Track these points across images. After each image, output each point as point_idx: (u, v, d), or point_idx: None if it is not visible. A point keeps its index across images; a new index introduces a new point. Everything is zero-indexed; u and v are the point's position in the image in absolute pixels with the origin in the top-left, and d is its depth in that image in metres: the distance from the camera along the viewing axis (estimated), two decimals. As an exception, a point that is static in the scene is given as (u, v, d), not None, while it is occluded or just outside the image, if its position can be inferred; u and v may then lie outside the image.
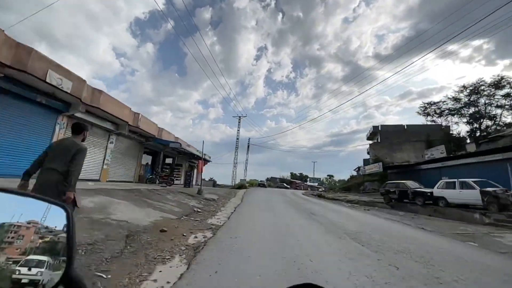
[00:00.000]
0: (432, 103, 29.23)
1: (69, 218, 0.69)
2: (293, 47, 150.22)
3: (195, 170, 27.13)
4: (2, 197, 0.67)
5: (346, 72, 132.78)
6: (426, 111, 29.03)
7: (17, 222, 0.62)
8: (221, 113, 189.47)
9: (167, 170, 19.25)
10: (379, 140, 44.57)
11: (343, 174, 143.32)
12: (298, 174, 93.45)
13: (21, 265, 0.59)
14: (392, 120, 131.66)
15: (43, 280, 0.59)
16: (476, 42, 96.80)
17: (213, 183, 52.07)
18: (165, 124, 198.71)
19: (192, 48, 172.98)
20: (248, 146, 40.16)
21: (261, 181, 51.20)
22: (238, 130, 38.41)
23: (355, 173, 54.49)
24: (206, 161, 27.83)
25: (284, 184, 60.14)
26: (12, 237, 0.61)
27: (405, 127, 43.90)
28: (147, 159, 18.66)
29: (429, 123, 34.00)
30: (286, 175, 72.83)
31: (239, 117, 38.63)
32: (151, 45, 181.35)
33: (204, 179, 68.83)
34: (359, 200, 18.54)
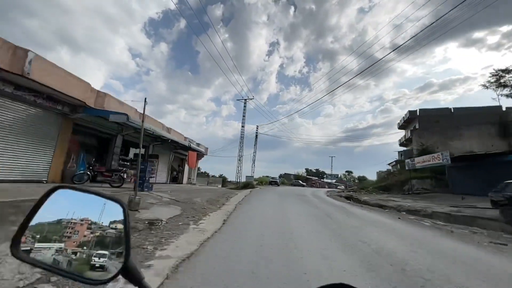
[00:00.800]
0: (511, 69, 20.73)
1: (125, 213, 0.72)
2: (305, 41, 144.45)
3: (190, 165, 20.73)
4: (70, 194, 0.75)
5: (362, 65, 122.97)
6: (500, 81, 20.72)
7: (82, 218, 0.72)
8: (233, 110, 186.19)
9: (128, 163, 12.92)
10: (417, 127, 36.07)
11: (362, 170, 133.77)
12: (314, 170, 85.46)
13: (93, 256, 0.70)
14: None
15: (107, 267, 0.69)
16: (505, 28, 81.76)
17: (222, 180, 45.99)
18: (180, 122, 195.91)
19: (204, 46, 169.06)
20: (256, 136, 33.32)
21: (272, 178, 44.19)
22: (243, 116, 31.54)
23: (387, 168, 46.17)
24: (199, 153, 21.32)
25: (300, 181, 52.87)
26: (74, 231, 0.71)
27: (452, 110, 35.10)
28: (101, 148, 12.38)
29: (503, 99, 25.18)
30: (301, 171, 65.55)
31: (245, 100, 31.72)
32: (165, 44, 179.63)
33: (213, 176, 62.66)
34: (424, 208, 11.20)
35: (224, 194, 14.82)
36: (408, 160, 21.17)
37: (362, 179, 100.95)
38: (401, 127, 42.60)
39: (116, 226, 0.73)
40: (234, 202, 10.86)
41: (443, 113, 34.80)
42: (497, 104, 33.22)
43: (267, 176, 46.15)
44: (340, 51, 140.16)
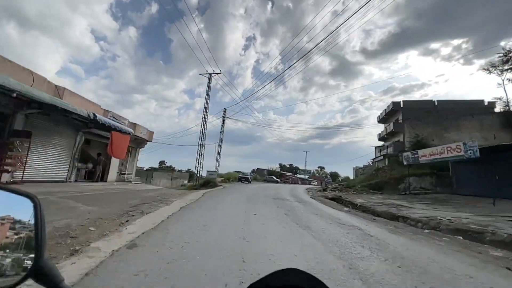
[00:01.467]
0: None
1: (37, 208, 0.66)
2: (282, 38, 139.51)
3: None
4: None
5: (334, 66, 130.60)
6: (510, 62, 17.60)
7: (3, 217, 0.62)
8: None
9: None
10: (400, 120, 33.24)
11: (333, 166, 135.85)
12: (288, 166, 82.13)
13: None
14: (376, 115, 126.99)
15: (11, 271, 0.59)
16: (456, 41, 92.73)
17: (189, 175, 38.90)
18: (149, 114, 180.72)
19: (177, 35, 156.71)
20: (224, 121, 27.14)
21: (243, 173, 38.48)
22: (207, 95, 24.99)
23: (364, 164, 43.54)
24: (138, 139, 14.58)
25: (273, 177, 48.14)
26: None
27: (436, 103, 32.82)
28: None
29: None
30: (275, 166, 61.01)
31: (210, 74, 25.20)
32: (134, 29, 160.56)
33: (180, 171, 55.21)
34: (483, 227, 6.54)
35: (153, 200, 8.61)
36: (408, 153, 17.06)
37: (334, 174, 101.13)
38: (381, 120, 39.88)
39: (27, 224, 0.65)
40: (140, 228, 4.77)
41: (426, 106, 32.33)
42: (479, 98, 31.47)
43: (238, 172, 40.28)
44: (314, 51, 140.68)
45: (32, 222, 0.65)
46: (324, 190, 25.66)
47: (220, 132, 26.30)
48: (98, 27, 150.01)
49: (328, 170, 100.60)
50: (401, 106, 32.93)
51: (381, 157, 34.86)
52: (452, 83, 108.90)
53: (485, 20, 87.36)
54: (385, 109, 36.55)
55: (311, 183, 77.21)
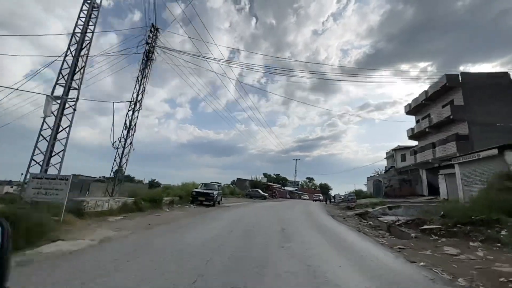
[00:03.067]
0: None
1: (3, 233, 0.64)
2: (265, 53, 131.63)
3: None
4: None
5: (314, 81, 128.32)
6: None
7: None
8: (189, 113, 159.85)
9: None
10: (454, 102, 21.30)
11: (320, 178, 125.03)
12: (274, 176, 68.39)
13: None
14: (354, 129, 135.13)
15: None
16: (422, 64, 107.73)
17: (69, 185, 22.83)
18: None
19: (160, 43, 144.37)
20: (149, 51, 12.82)
21: (205, 186, 22.83)
22: None
23: (371, 174, 31.05)
24: None
25: (259, 191, 33.79)
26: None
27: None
28: None
29: None
30: (259, 177, 46.73)
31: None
32: (114, 35, 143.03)
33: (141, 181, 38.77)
34: None
35: None
36: None
37: (324, 186, 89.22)
38: (413, 110, 27.92)
39: None
40: None
41: (497, 80, 20.69)
42: None
43: (205, 184, 25.25)
44: (296, 67, 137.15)
45: None
46: (360, 215, 12.20)
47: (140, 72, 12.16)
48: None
49: (317, 181, 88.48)
50: (460, 80, 21.03)
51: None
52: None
53: (445, 46, 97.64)
54: (426, 91, 24.67)
55: (302, 197, 64.00)
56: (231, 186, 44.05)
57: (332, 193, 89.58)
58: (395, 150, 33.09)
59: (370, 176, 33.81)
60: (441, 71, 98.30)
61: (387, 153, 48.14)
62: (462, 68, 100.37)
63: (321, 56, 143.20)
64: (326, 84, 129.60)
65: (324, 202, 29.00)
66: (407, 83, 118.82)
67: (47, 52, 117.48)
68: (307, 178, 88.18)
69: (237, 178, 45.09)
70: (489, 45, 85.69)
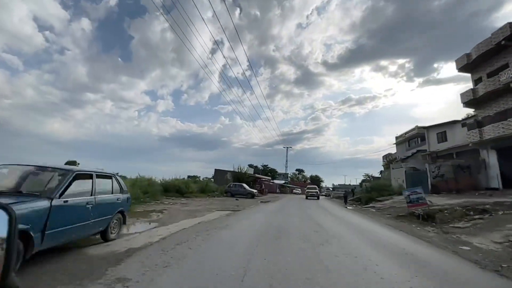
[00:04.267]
0: None
1: (11, 222, 0.63)
2: (249, 45, 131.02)
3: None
4: None
5: (298, 75, 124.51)
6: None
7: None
8: (171, 106, 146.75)
9: None
10: None
11: (310, 170, 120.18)
12: (261, 167, 58.59)
13: None
14: (336, 123, 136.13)
15: None
16: (400, 61, 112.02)
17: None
18: (104, 115, 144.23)
19: (139, 32, 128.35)
20: None
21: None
22: None
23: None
24: None
25: (244, 186, 23.47)
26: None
27: None
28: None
29: None
30: (244, 168, 35.98)
31: None
32: (88, 21, 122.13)
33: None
34: None
35: None
36: None
37: (315, 178, 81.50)
38: (469, 65, 18.87)
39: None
40: None
41: None
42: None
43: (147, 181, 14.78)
44: (280, 60, 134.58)
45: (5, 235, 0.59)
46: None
47: None
48: (42, 15, 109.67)
49: (307, 173, 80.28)
50: None
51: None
52: (398, 96, 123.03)
53: (422, 45, 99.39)
54: (491, 38, 15.55)
55: (294, 191, 54.96)
56: (212, 179, 33.47)
57: (324, 185, 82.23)
58: (427, 128, 24.34)
59: (395, 161, 25.11)
60: (417, 69, 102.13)
61: (397, 137, 40.25)
62: (436, 66, 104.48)
63: (305, 50, 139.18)
64: (310, 78, 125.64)
65: (344, 204, 19.47)
66: (386, 78, 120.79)
67: (10, 36, 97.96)
68: (297, 170, 79.59)
69: (215, 170, 34.55)
70: (461, 44, 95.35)
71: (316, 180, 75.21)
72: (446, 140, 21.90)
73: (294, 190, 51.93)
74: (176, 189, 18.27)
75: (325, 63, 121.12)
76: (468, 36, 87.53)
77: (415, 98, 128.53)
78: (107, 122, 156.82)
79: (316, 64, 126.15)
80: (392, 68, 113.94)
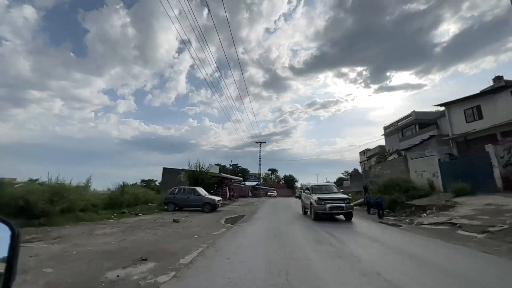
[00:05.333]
0: None
1: (14, 237, 0.63)
2: (218, 46, 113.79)
3: None
4: None
5: (267, 78, 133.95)
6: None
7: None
8: (133, 107, 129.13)
9: None
10: None
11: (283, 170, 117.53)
12: (230, 167, 49.14)
13: None
14: (303, 125, 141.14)
15: None
16: (359, 68, 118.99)
17: None
18: (52, 115, 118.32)
19: (95, 25, 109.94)
20: None
21: None
22: None
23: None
24: None
25: (197, 190, 14.12)
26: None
27: None
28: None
29: None
30: (207, 166, 26.31)
31: None
32: (32, 9, 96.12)
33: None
34: None
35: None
36: None
37: (289, 179, 74.94)
38: None
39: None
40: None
41: None
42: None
43: None
44: (249, 63, 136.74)
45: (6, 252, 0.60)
46: None
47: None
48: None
49: (281, 173, 73.39)
50: None
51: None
52: (357, 101, 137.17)
53: (376, 54, 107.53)
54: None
55: (269, 193, 46.97)
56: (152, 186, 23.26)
57: (299, 185, 76.44)
58: (447, 104, 18.38)
59: (389, 154, 18.67)
60: (373, 77, 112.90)
61: (386, 127, 35.10)
62: (388, 74, 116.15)
63: (273, 54, 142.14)
64: (278, 82, 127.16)
65: (367, 212, 11.81)
66: (347, 84, 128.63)
67: None
68: (270, 169, 72.15)
69: (163, 170, 24.31)
70: (408, 55, 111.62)
71: (290, 180, 68.74)
72: (481, 117, 15.96)
73: (269, 193, 43.92)
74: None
75: (292, 68, 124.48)
76: (414, 48, 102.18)
77: (371, 103, 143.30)
78: (56, 123, 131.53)
79: (283, 68, 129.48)
80: (352, 75, 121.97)
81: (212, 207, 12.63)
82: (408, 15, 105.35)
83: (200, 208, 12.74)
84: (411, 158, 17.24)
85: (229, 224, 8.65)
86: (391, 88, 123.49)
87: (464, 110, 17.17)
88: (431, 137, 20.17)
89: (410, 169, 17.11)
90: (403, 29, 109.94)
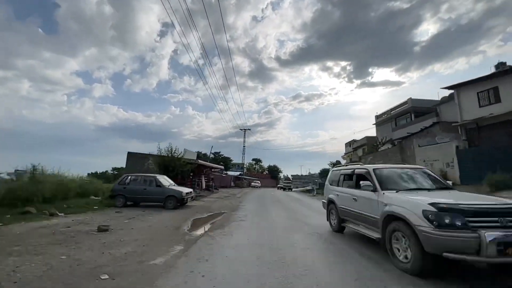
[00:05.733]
0: None
1: None
2: (203, 32, 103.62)
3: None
4: None
5: (252, 68, 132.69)
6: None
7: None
8: (111, 91, 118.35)
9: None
10: None
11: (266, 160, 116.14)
12: (211, 155, 45.31)
13: None
14: (287, 117, 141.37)
15: None
16: (343, 63, 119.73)
17: None
18: (19, 97, 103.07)
19: (68, 1, 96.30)
20: None
21: None
22: None
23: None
24: None
25: (158, 179, 10.59)
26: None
27: None
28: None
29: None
30: (177, 149, 22.18)
31: None
32: None
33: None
34: None
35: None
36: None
37: (273, 169, 72.69)
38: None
39: None
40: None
41: None
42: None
43: None
44: (235, 51, 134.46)
45: None
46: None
47: None
48: None
49: (265, 164, 70.94)
50: None
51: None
52: (340, 95, 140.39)
53: (361, 50, 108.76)
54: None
55: (252, 183, 44.15)
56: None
57: (282, 175, 74.76)
58: (456, 87, 16.21)
59: (382, 143, 16.41)
60: (356, 72, 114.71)
61: (377, 116, 33.21)
62: (370, 70, 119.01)
63: (260, 44, 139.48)
64: (264, 72, 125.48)
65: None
66: (331, 78, 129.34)
67: None
68: (253, 159, 69.39)
69: (128, 154, 20.16)
70: (390, 53, 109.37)
71: (274, 171, 66.66)
72: (498, 100, 13.93)
73: (252, 183, 41.11)
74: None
75: (278, 59, 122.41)
76: (396, 46, 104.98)
77: (354, 98, 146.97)
78: (23, 106, 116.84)
79: (269, 58, 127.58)
80: (336, 69, 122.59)
81: (177, 202, 9.23)
82: (391, 13, 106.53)
83: (162, 203, 9.31)
84: (419, 146, 15.01)
85: (194, 234, 5.39)
86: (373, 84, 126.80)
87: (477, 93, 15.08)
88: (434, 124, 18.17)
89: (417, 158, 14.90)
90: (386, 26, 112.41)
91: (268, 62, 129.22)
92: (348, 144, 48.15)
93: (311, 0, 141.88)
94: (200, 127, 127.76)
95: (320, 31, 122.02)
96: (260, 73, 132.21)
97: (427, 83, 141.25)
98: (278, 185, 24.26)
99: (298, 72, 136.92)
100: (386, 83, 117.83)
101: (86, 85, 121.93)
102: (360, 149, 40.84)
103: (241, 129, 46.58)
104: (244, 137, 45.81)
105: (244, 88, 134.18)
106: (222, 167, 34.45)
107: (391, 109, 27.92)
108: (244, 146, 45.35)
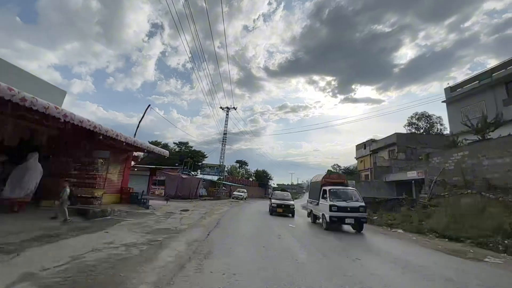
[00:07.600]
0: None
1: None
2: (193, 36, 65.88)
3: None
4: None
5: (241, 76, 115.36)
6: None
7: None
8: (91, 89, 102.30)
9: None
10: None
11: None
12: (175, 149, 30.80)
13: None
14: (272, 127, 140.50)
15: None
16: (329, 78, 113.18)
17: None
18: None
19: None
20: None
21: None
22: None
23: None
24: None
25: None
26: None
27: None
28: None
29: None
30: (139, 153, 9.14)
31: None
32: None
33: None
34: None
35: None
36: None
37: (262, 174, 59.45)
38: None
39: None
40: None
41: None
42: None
43: None
44: (224, 58, 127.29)
45: None
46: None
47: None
48: None
49: (251, 168, 57.27)
50: None
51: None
52: (324, 109, 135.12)
53: (345, 67, 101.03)
54: None
55: (236, 192, 30.43)
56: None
57: (272, 184, 61.12)
58: None
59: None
60: (340, 87, 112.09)
61: (452, 88, 21.49)
62: (353, 87, 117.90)
63: (249, 53, 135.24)
64: (252, 81, 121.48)
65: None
66: (317, 92, 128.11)
67: None
68: (237, 161, 55.48)
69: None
70: (372, 72, 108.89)
71: (263, 177, 53.12)
72: None
73: (235, 192, 27.19)
74: None
75: (266, 69, 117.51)
76: (377, 66, 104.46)
77: (336, 112, 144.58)
78: None
79: (258, 68, 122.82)
80: (322, 83, 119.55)
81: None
82: (374, 35, 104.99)
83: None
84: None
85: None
86: (355, 100, 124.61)
87: None
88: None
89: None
90: (369, 47, 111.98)
91: (257, 72, 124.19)
92: (362, 146, 36.74)
93: (301, 16, 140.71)
94: (183, 132, 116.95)
95: (308, 46, 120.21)
96: (248, 82, 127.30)
97: (404, 103, 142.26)
98: (272, 204, 11.19)
99: (285, 83, 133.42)
100: (367, 100, 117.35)
101: (64, 79, 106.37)
102: (385, 150, 29.09)
103: (222, 108, 32.63)
104: (226, 120, 31.76)
105: (232, 95, 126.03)
106: (166, 152, 20.32)
107: (491, 70, 15.52)
108: (225, 134, 31.36)
